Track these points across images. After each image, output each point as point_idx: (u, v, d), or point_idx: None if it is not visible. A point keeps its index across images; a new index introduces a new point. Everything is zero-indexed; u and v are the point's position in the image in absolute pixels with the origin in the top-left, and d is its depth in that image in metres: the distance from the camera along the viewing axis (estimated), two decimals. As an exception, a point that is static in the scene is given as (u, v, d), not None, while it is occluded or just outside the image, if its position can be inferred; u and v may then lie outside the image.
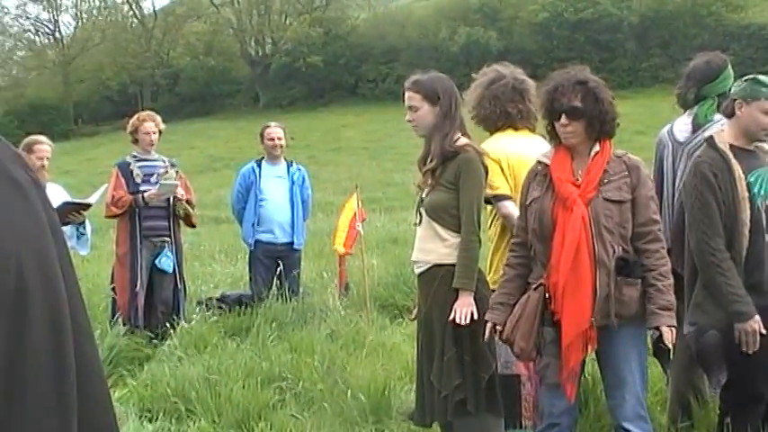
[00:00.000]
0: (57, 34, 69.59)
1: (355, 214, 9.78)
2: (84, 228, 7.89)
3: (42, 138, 8.16)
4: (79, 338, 1.08)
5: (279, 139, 9.83)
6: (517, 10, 54.95)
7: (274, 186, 9.77)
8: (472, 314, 4.92)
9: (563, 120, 4.64)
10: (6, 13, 69.70)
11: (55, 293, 1.05)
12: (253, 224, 9.69)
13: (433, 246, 5.15)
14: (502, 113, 5.65)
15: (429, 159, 5.17)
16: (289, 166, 9.97)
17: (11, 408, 0.98)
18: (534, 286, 4.70)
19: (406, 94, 5.25)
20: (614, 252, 4.54)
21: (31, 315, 1.00)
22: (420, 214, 5.24)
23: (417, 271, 5.33)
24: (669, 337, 4.46)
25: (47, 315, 1.03)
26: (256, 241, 9.72)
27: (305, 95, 59.29)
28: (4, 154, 1.05)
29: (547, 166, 4.77)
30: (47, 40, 71.05)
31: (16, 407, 0.99)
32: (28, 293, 1.00)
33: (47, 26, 69.89)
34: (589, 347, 4.61)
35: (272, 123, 10.15)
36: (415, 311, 5.54)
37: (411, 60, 47.13)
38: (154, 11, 68.51)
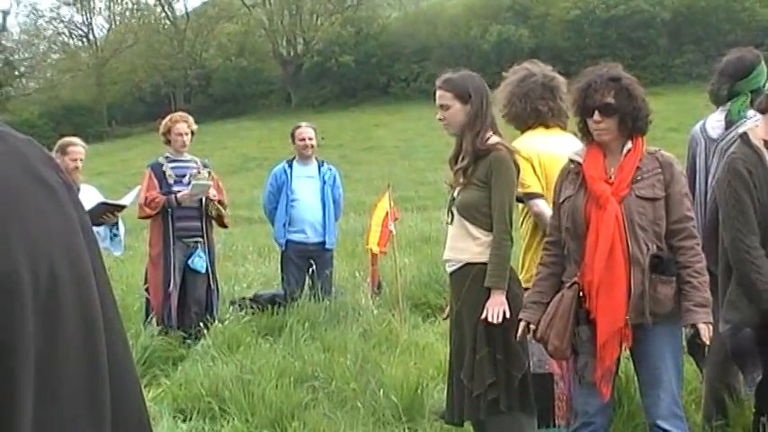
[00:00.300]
0: (90, 37, 70.12)
1: (387, 213, 9.78)
2: (118, 229, 7.94)
3: (76, 139, 8.21)
4: (111, 338, 1.09)
5: (310, 139, 9.84)
6: (548, 7, 54.73)
7: (305, 186, 9.79)
8: (504, 313, 4.92)
9: (596, 116, 4.61)
10: (41, 17, 70.28)
11: (87, 293, 1.06)
12: (284, 224, 9.71)
13: (464, 244, 5.15)
14: (532, 111, 5.63)
15: (461, 158, 5.16)
16: (320, 166, 9.98)
17: (44, 407, 0.99)
18: (568, 285, 4.67)
19: (438, 93, 5.25)
20: (648, 250, 4.51)
21: (63, 315, 1.01)
22: (452, 213, 5.24)
23: (449, 270, 5.33)
24: (706, 334, 4.43)
25: (79, 315, 1.03)
26: (288, 241, 9.73)
27: (337, 95, 59.37)
28: (36, 156, 1.06)
29: (579, 164, 4.74)
30: (80, 43, 71.60)
31: (50, 406, 1.00)
32: (60, 293, 1.01)
33: (80, 29, 70.47)
34: (624, 345, 4.59)
35: (303, 123, 10.16)
36: (447, 310, 5.54)
37: (442, 59, 47.00)
38: (186, 12, 68.82)
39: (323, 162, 10.14)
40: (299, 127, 10.03)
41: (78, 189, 7.72)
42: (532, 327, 4.78)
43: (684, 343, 5.12)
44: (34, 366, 0.97)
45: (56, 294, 1.00)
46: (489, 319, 4.92)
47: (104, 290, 1.10)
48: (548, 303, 4.74)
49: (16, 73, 69.68)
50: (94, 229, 7.54)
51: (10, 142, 1.05)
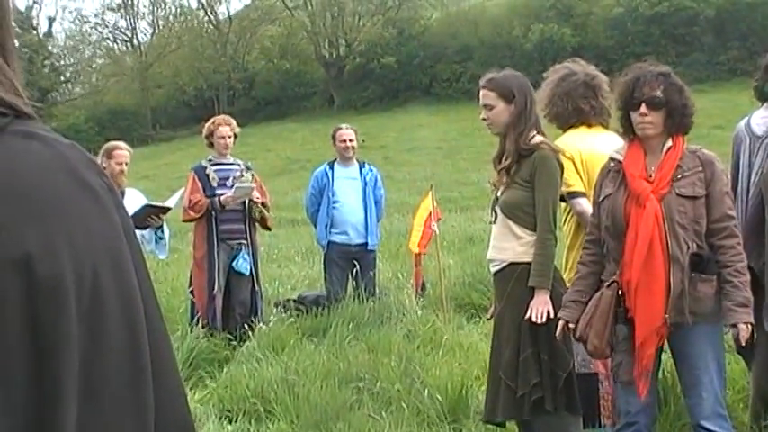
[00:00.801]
0: (134, 41, 70.62)
1: (430, 214, 9.77)
2: (163, 232, 7.99)
3: (121, 143, 8.27)
4: (155, 340, 1.10)
5: (350, 140, 9.86)
6: (591, 5, 54.40)
7: (347, 188, 9.81)
8: (548, 312, 4.90)
9: (642, 109, 4.59)
10: (86, 22, 70.93)
11: (130, 295, 1.07)
12: (326, 226, 9.74)
13: (508, 244, 5.14)
14: (574, 110, 5.61)
15: (504, 158, 5.16)
16: (361, 168, 9.99)
17: (89, 409, 1.00)
18: (607, 283, 4.66)
19: (481, 93, 5.25)
20: (688, 248, 4.48)
21: (106, 318, 1.03)
22: (495, 213, 5.24)
23: (493, 269, 5.33)
24: (745, 334, 4.40)
25: (122, 317, 1.05)
26: (331, 243, 9.76)
27: (379, 96, 59.36)
28: (79, 160, 1.08)
29: (620, 162, 4.72)
30: (125, 48, 72.14)
31: (94, 408, 1.01)
32: (103, 296, 1.02)
33: (125, 34, 70.99)
34: (663, 343, 4.56)
35: (344, 125, 10.18)
36: (491, 310, 5.53)
37: (485, 59, 46.90)
38: (229, 16, 69.08)
39: (364, 163, 10.15)
40: (339, 129, 10.05)
41: (123, 193, 7.79)
42: (571, 326, 4.76)
43: (732, 342, 5.06)
44: (78, 369, 0.99)
45: (99, 297, 1.02)
46: (533, 319, 4.91)
47: (147, 292, 1.12)
48: (587, 302, 4.73)
49: (62, 78, 70.46)
50: (140, 232, 7.63)
51: (55, 147, 1.07)
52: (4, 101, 1.07)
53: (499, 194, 5.22)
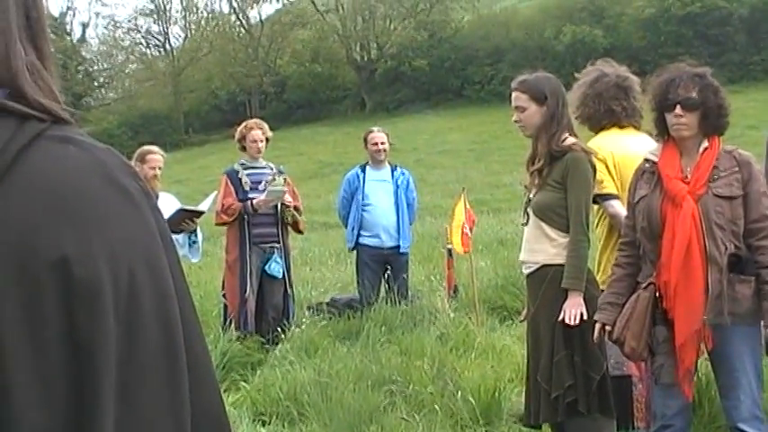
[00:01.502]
0: (167, 46, 71.08)
1: (465, 217, 9.77)
2: (196, 235, 8.02)
3: (155, 148, 8.30)
4: (190, 339, 1.12)
5: (382, 143, 9.85)
6: (623, 6, 54.14)
7: (379, 191, 9.81)
8: (582, 314, 4.89)
9: (677, 110, 4.56)
10: (118, 27, 71.43)
11: (165, 297, 1.08)
12: (353, 229, 9.75)
13: (541, 246, 5.13)
14: (606, 112, 5.59)
15: (536, 159, 5.15)
16: (393, 171, 9.99)
17: (126, 408, 1.02)
18: (644, 285, 4.63)
19: (513, 95, 5.24)
20: (726, 249, 4.45)
21: (143, 320, 1.04)
22: (528, 215, 5.23)
23: (526, 272, 5.32)
24: None
25: (158, 318, 1.06)
26: (363, 246, 9.76)
27: (411, 99, 59.32)
28: (115, 164, 1.09)
29: (655, 163, 4.70)
30: (157, 53, 72.61)
31: (131, 407, 1.02)
32: (140, 298, 1.04)
33: (157, 38, 71.46)
34: (708, 345, 4.53)
35: (375, 128, 10.18)
36: (524, 312, 5.52)
37: (516, 61, 46.80)
38: (260, 20, 69.34)
39: (396, 166, 10.15)
40: (371, 132, 10.05)
41: (157, 197, 7.82)
42: (608, 328, 4.74)
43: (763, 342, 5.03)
44: (115, 370, 1.00)
45: (135, 299, 1.03)
46: (567, 321, 4.90)
47: (183, 293, 1.13)
48: (623, 304, 4.70)
49: (96, 84, 71.08)
50: (174, 236, 7.66)
51: (92, 152, 1.08)
52: (43, 106, 1.08)
53: (531, 196, 5.21)
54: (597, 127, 5.69)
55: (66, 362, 0.98)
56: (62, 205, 1.01)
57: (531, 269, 5.22)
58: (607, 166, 5.39)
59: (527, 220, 5.24)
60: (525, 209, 5.28)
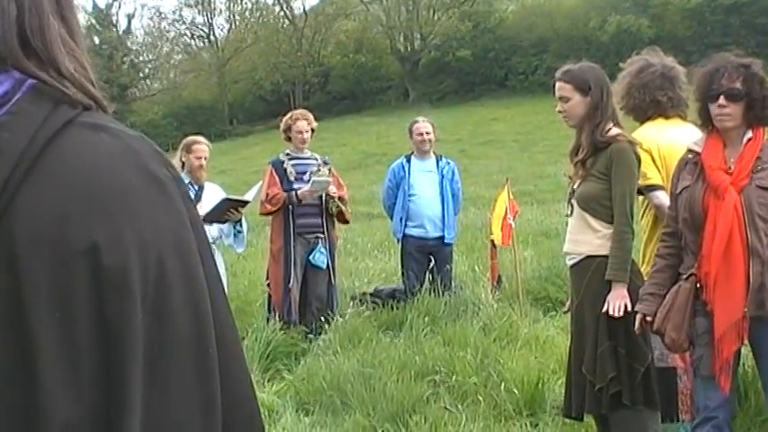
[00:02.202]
0: (211, 37, 71.43)
1: (506, 208, 9.74)
2: (241, 225, 8.04)
3: (200, 138, 8.29)
4: (221, 329, 1.12)
5: (427, 133, 9.84)
6: (669, -5, 53.71)
7: (424, 181, 9.80)
8: (626, 306, 4.87)
9: (721, 101, 4.53)
10: (163, 19, 71.99)
11: (196, 286, 1.08)
12: (401, 219, 9.74)
13: (585, 237, 5.12)
14: (652, 102, 5.55)
15: (580, 150, 5.13)
16: (438, 161, 9.97)
17: (156, 395, 1.02)
18: (685, 276, 4.61)
19: (557, 85, 5.23)
20: (768, 241, 4.41)
21: (172, 309, 1.04)
22: (571, 205, 5.21)
23: (569, 263, 5.31)
24: None
25: (188, 308, 1.06)
26: (408, 236, 9.76)
27: (454, 89, 59.25)
28: (146, 152, 1.10)
29: (698, 154, 4.67)
30: (202, 44, 73.01)
31: (161, 395, 1.03)
32: (169, 287, 1.04)
33: (202, 30, 71.84)
34: (744, 338, 4.49)
35: (420, 118, 10.16)
36: (567, 304, 5.51)
37: (561, 51, 46.57)
38: (304, 11, 69.51)
39: (441, 156, 10.13)
40: (416, 122, 10.03)
41: (202, 187, 7.88)
42: (649, 319, 4.72)
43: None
44: (144, 358, 1.01)
45: (165, 288, 1.04)
46: (610, 313, 4.88)
47: (214, 284, 1.13)
48: (664, 295, 4.68)
49: (141, 75, 71.49)
50: (219, 226, 7.69)
51: (123, 139, 1.09)
52: (78, 82, 1.10)
53: (575, 187, 5.19)
54: (643, 117, 5.65)
55: (95, 350, 0.99)
56: (93, 193, 1.02)
57: (575, 260, 5.21)
58: (652, 157, 5.35)
59: (571, 211, 5.23)
60: (569, 200, 5.26)
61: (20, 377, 0.98)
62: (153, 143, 1.13)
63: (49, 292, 0.98)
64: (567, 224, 5.39)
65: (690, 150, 4.75)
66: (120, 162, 1.06)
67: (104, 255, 1.00)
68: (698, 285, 4.55)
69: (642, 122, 5.66)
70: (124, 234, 1.02)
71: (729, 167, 4.54)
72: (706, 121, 4.69)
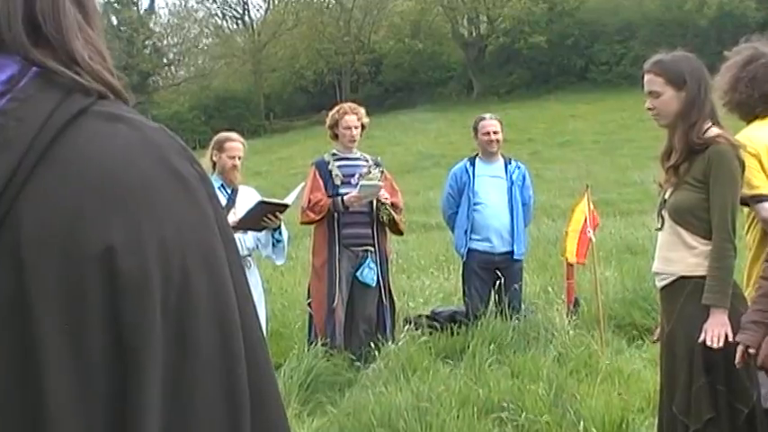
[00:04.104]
0: (246, 18, 71.78)
1: (586, 219, 9.69)
2: (281, 234, 8.04)
3: (234, 135, 8.25)
4: (252, 348, 1.13)
5: (495, 133, 9.81)
6: (781, -27, 53.23)
7: (490, 188, 9.78)
8: (726, 335, 4.83)
9: None
10: (192, -4, 72.35)
11: (223, 297, 1.09)
12: (465, 231, 9.72)
13: (678, 255, 5.08)
14: (761, 98, 5.50)
15: (672, 153, 5.11)
16: (507, 165, 9.94)
17: (176, 413, 1.04)
18: (796, 303, 4.57)
19: (646, 78, 5.20)
20: None
21: (196, 320, 1.05)
22: (662, 218, 5.18)
23: (660, 284, 5.27)
24: None
25: (214, 320, 1.07)
26: (471, 250, 9.74)
27: (526, 82, 59.17)
28: (169, 146, 1.11)
29: (815, 159, 4.63)
30: (235, 26, 73.39)
31: (182, 414, 1.04)
32: (193, 296, 1.05)
33: (235, 9, 72.21)
34: None
35: (488, 115, 10.14)
36: (657, 332, 5.48)
37: (651, 38, 46.35)
38: (353, -11, 69.75)
39: (510, 159, 10.11)
40: (482, 119, 10.02)
41: (236, 191, 7.89)
42: (752, 351, 4.68)
43: None
44: (163, 369, 1.02)
45: (188, 297, 1.05)
46: (708, 343, 4.84)
47: (244, 298, 1.14)
48: (772, 324, 4.64)
49: (165, 61, 71.85)
50: (255, 234, 7.69)
51: (143, 131, 1.10)
52: (94, 72, 1.11)
53: (667, 197, 5.16)
54: (750, 116, 5.59)
55: (109, 366, 1.00)
56: (108, 190, 1.03)
57: (666, 281, 5.18)
58: (760, 162, 5.30)
59: (662, 225, 5.20)
60: (660, 211, 5.23)
61: (25, 394, 0.99)
62: (176, 137, 1.15)
63: (58, 299, 1.00)
64: (656, 239, 5.36)
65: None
66: (139, 155, 1.07)
67: (120, 257, 1.01)
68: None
69: (749, 122, 5.61)
70: (143, 236, 1.03)
71: None
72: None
